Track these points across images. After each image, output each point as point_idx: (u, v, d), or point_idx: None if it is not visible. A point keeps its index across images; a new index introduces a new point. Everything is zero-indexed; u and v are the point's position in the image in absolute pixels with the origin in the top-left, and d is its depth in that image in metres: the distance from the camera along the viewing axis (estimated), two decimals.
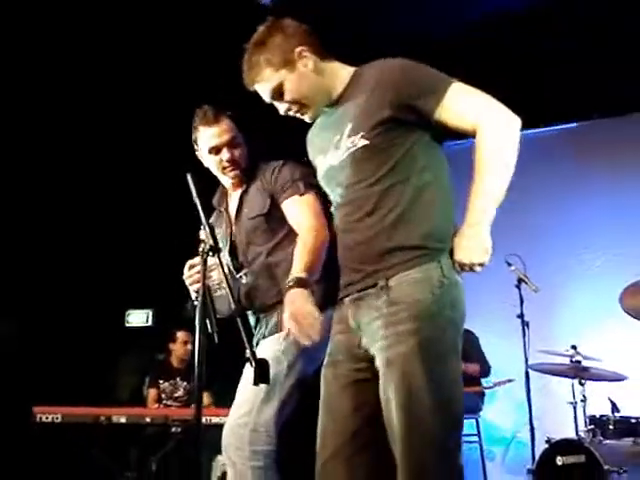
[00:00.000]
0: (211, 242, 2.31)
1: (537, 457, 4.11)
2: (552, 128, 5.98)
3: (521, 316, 4.79)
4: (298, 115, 2.26)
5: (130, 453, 4.76)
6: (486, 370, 5.40)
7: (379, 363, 2.00)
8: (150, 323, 6.74)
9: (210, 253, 2.29)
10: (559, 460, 3.93)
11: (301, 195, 2.71)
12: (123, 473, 4.45)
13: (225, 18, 5.06)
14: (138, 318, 6.77)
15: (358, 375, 2.09)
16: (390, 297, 2.00)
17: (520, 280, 4.74)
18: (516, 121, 2.06)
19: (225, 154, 2.83)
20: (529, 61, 5.39)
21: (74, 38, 5.14)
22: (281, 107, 2.25)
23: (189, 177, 2.43)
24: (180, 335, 5.75)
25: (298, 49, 2.18)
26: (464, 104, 2.05)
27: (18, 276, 5.83)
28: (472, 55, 5.21)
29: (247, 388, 2.62)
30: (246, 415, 2.60)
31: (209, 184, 2.77)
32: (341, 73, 2.23)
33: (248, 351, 2.11)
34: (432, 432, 1.91)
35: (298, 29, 2.22)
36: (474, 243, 2.00)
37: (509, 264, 4.72)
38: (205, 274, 2.28)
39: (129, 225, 6.10)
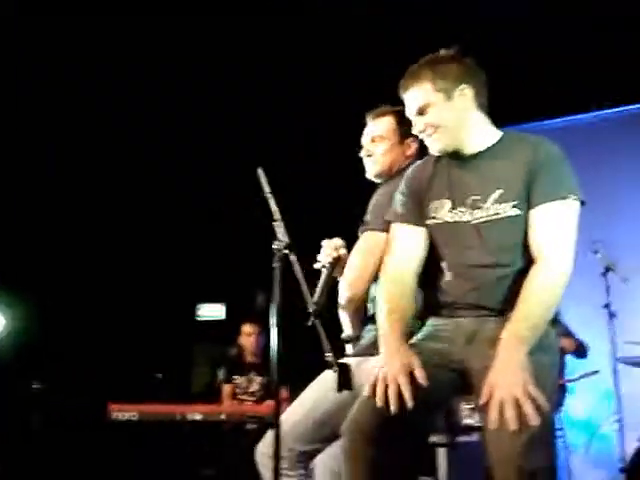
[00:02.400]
0: (285, 239, 2.24)
1: (631, 455, 3.91)
2: (630, 107, 5.69)
3: (607, 306, 4.57)
4: (428, 140, 2.27)
5: (206, 450, 4.74)
6: (582, 348, 4.98)
7: None
8: (223, 316, 6.74)
9: (285, 251, 2.21)
10: None
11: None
12: (200, 470, 4.43)
13: None
14: (210, 311, 6.78)
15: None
16: None
17: (607, 268, 4.52)
18: (568, 273, 2.10)
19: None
20: None
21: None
22: (418, 124, 2.27)
23: (260, 172, 2.36)
24: (245, 328, 5.71)
25: (464, 86, 2.22)
26: (551, 224, 2.12)
27: (93, 271, 5.89)
28: None
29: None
30: None
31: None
32: (490, 129, 2.29)
33: (329, 355, 2.01)
34: None
35: (476, 72, 2.27)
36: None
37: (595, 252, 4.51)
38: (281, 271, 2.20)
39: (204, 219, 6.10)
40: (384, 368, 2.06)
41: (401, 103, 2.33)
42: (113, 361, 5.76)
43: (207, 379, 6.61)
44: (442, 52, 2.29)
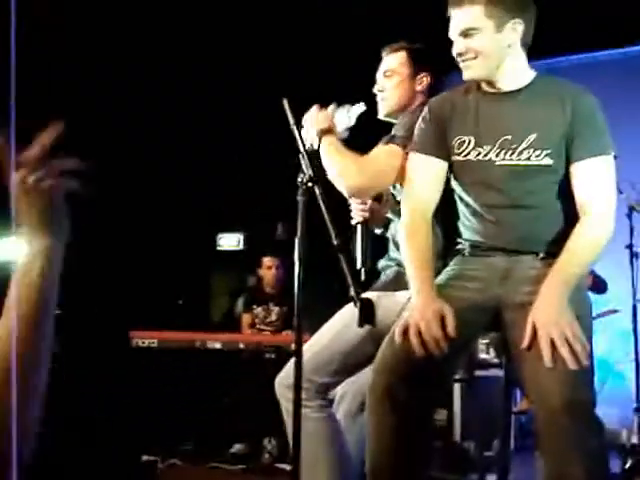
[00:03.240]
0: (310, 172, 2.21)
1: None
2: None
3: (630, 247, 4.54)
4: (464, 64, 2.18)
5: (225, 377, 4.80)
6: (601, 284, 4.97)
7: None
8: (241, 246, 6.76)
9: (310, 184, 2.19)
10: None
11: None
12: (219, 398, 4.50)
13: None
14: (229, 241, 6.80)
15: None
16: None
17: (631, 208, 4.46)
18: (611, 229, 2.14)
19: None
20: None
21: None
22: (459, 45, 2.17)
23: (285, 103, 2.33)
24: (265, 261, 5.73)
25: (516, 20, 2.14)
26: (596, 180, 2.12)
27: (115, 199, 5.90)
28: None
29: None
30: None
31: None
32: (526, 69, 2.22)
33: (352, 289, 2.00)
34: None
35: (530, 8, 2.19)
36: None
37: (620, 191, 4.42)
38: (305, 204, 2.18)
39: (226, 148, 6.06)
40: (416, 314, 2.06)
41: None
42: (133, 288, 5.81)
43: (226, 308, 6.68)
44: None
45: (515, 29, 2.14)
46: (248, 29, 5.55)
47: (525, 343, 1.99)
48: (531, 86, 2.20)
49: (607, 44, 5.48)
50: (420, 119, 2.32)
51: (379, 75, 2.72)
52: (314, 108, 2.50)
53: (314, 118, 2.48)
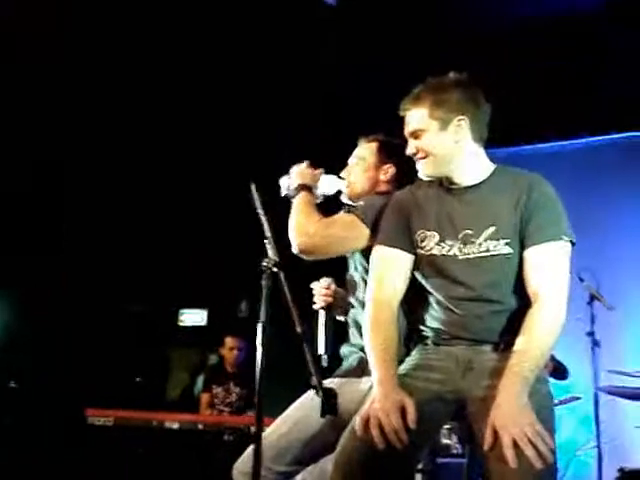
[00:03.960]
0: (275, 257, 2.21)
1: None
2: (621, 135, 5.69)
3: (591, 334, 4.57)
4: (419, 162, 2.28)
5: (183, 458, 4.69)
6: (563, 370, 4.88)
7: None
8: (204, 323, 6.70)
9: (274, 269, 2.18)
10: None
11: None
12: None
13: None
14: (192, 317, 6.73)
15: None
16: None
17: (592, 297, 4.51)
18: (563, 316, 2.10)
19: None
20: None
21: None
22: (411, 145, 2.28)
23: (253, 187, 2.34)
24: (228, 341, 5.68)
25: (461, 117, 2.21)
26: (547, 265, 2.12)
27: (76, 274, 5.84)
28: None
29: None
30: None
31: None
32: (484, 162, 2.27)
33: (314, 379, 1.98)
34: None
35: (478, 103, 2.25)
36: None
37: (581, 280, 4.49)
38: (269, 289, 2.17)
39: (187, 225, 6.05)
40: (376, 405, 2.04)
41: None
42: (91, 364, 5.70)
43: (184, 385, 6.56)
44: (449, 76, 2.27)
45: (460, 126, 2.21)
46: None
47: (486, 446, 1.96)
48: (490, 179, 2.25)
49: (573, 134, 5.64)
50: (385, 212, 2.36)
51: (350, 160, 2.80)
52: (305, 163, 2.69)
53: (302, 172, 2.66)
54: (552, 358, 4.80)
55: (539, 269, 2.12)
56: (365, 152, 2.76)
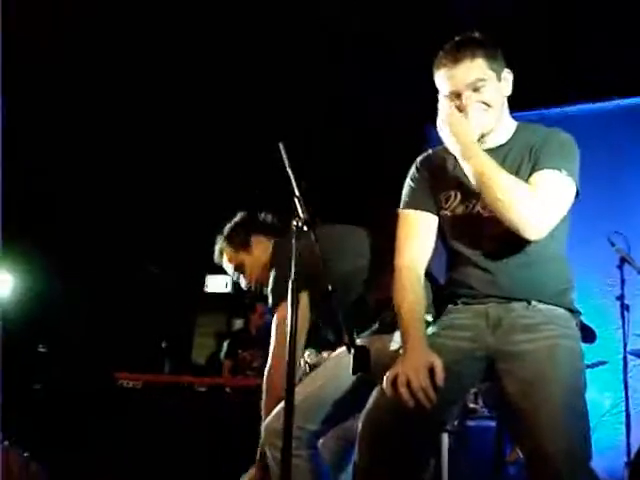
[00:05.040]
0: (305, 216, 2.19)
1: (636, 449, 3.88)
2: None
3: (621, 298, 4.52)
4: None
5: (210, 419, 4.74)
6: (590, 333, 4.89)
7: None
8: (228, 289, 6.74)
9: (305, 228, 2.16)
10: None
11: None
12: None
13: None
14: (217, 284, 6.77)
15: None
16: None
17: (623, 260, 4.45)
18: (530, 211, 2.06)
19: None
20: None
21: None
22: (465, 97, 2.14)
23: (281, 146, 2.32)
24: (259, 307, 5.72)
25: (508, 70, 2.22)
26: (546, 185, 2.09)
27: (107, 236, 5.88)
28: None
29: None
30: None
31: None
32: (508, 122, 2.27)
33: (346, 336, 1.97)
34: None
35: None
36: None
37: (612, 243, 4.43)
38: (297, 251, 2.16)
39: (211, 193, 6.06)
40: (405, 364, 2.03)
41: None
42: (120, 328, 5.76)
43: (210, 351, 6.62)
44: (482, 36, 2.21)
45: (507, 79, 2.21)
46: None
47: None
48: (511, 140, 2.24)
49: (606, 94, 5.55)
50: (407, 178, 2.35)
51: (230, 272, 3.02)
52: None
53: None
54: (580, 322, 4.77)
55: (538, 184, 2.09)
56: (233, 261, 2.93)
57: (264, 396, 2.58)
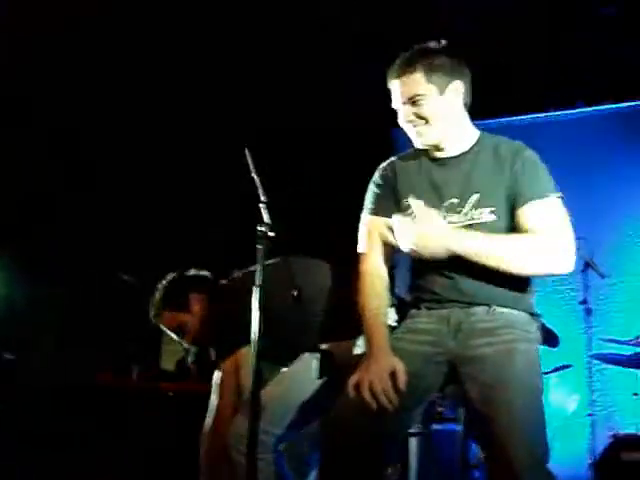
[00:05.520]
0: (269, 221, 2.22)
1: (600, 451, 3.94)
2: (615, 106, 5.66)
3: (584, 302, 4.59)
4: (414, 132, 2.24)
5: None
6: (553, 337, 4.91)
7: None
8: None
9: (270, 233, 2.19)
10: (625, 456, 3.75)
11: None
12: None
13: None
14: None
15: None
16: None
17: (586, 264, 4.52)
18: (567, 255, 2.14)
19: None
20: None
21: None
22: (406, 113, 2.22)
23: (247, 151, 2.34)
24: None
25: (458, 82, 2.22)
26: (545, 216, 2.12)
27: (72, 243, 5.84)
28: None
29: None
30: None
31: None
32: (470, 130, 2.29)
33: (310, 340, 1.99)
34: None
35: (465, 69, 2.26)
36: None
37: (576, 248, 4.48)
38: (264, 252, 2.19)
39: (183, 203, 6.04)
40: (368, 369, 2.07)
41: None
42: (89, 333, 5.73)
43: (178, 357, 6.58)
44: (433, 44, 2.25)
45: (456, 90, 2.23)
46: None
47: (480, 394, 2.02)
48: (475, 147, 2.27)
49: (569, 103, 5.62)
50: (371, 183, 2.38)
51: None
52: None
53: None
54: (542, 326, 4.82)
55: (535, 221, 2.12)
56: (174, 322, 2.94)
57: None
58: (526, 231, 2.12)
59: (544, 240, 2.09)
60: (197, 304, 2.87)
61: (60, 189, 5.95)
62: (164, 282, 2.93)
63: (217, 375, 2.86)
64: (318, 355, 1.96)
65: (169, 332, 2.97)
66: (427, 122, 2.20)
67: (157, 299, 2.91)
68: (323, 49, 5.09)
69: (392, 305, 2.38)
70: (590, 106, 5.54)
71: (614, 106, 5.57)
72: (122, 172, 5.95)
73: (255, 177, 2.33)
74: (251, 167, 2.34)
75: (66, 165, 5.88)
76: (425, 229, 2.05)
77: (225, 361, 2.78)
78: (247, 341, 2.16)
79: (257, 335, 2.12)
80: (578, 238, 4.25)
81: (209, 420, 2.81)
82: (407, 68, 2.20)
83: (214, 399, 2.83)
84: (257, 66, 5.33)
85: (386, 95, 2.27)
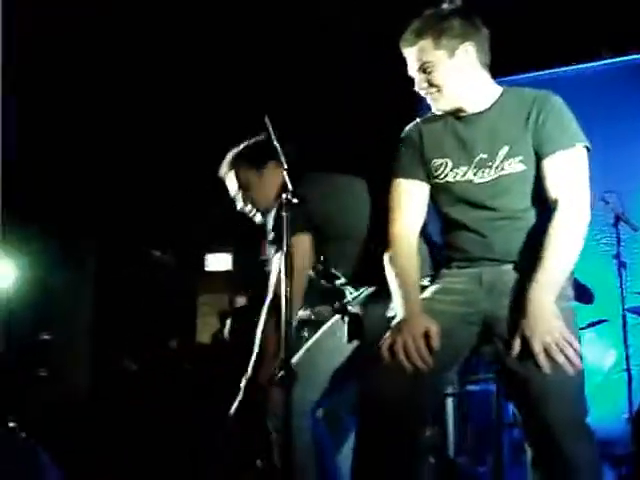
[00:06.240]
0: (291, 187, 2.22)
1: (637, 406, 3.91)
2: None
3: (617, 256, 4.53)
4: (429, 97, 2.24)
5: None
6: (588, 294, 4.84)
7: None
8: (229, 267, 6.75)
9: (294, 200, 2.19)
10: None
11: None
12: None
13: None
14: (218, 262, 6.78)
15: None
16: None
17: (618, 218, 4.45)
18: (587, 219, 2.13)
19: None
20: None
21: None
22: (419, 81, 2.23)
23: (267, 119, 2.34)
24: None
25: (468, 44, 2.19)
26: (565, 173, 2.14)
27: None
28: None
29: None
30: None
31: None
32: (491, 87, 2.26)
33: (338, 303, 2.00)
34: None
35: (479, 29, 2.24)
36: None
37: (606, 202, 4.43)
38: (289, 219, 2.18)
39: (207, 175, 6.06)
40: (402, 330, 2.06)
41: None
42: (123, 314, 5.79)
43: (214, 330, 6.65)
44: (444, 7, 2.24)
45: (467, 52, 2.20)
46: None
47: (515, 354, 1.99)
48: (498, 101, 2.26)
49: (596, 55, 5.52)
50: (400, 146, 2.37)
51: (234, 195, 2.91)
52: None
53: None
54: (576, 282, 4.77)
55: (556, 177, 2.13)
56: (236, 184, 2.83)
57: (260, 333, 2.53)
58: (549, 191, 2.14)
59: (568, 215, 2.09)
60: (271, 171, 2.79)
61: (90, 172, 6.01)
62: (251, 139, 2.87)
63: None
64: (347, 319, 1.94)
65: (230, 186, 2.90)
66: (439, 90, 2.21)
67: (237, 151, 2.88)
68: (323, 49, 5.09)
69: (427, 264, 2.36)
70: (622, 56, 5.42)
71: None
72: (139, 152, 5.99)
73: (277, 145, 2.33)
74: (272, 134, 2.33)
75: (85, 150, 5.93)
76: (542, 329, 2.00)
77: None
78: None
79: (287, 303, 2.12)
80: (608, 191, 4.35)
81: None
82: (416, 36, 2.20)
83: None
84: (256, 63, 5.33)
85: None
